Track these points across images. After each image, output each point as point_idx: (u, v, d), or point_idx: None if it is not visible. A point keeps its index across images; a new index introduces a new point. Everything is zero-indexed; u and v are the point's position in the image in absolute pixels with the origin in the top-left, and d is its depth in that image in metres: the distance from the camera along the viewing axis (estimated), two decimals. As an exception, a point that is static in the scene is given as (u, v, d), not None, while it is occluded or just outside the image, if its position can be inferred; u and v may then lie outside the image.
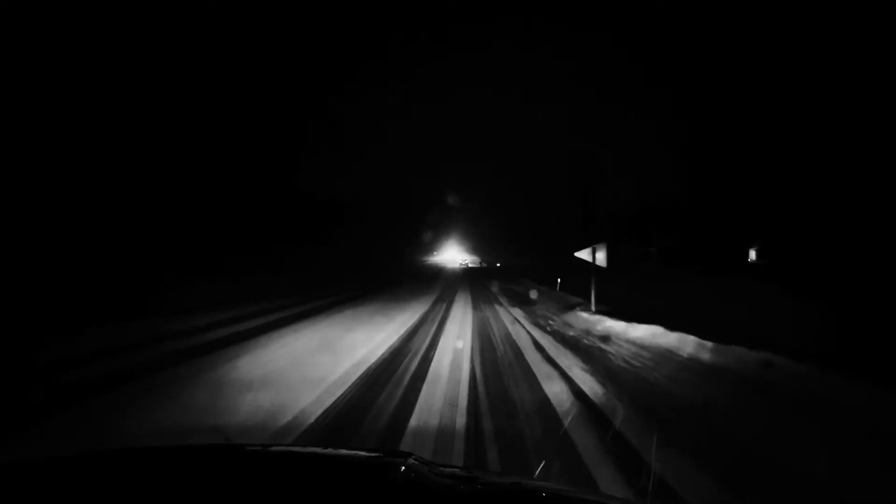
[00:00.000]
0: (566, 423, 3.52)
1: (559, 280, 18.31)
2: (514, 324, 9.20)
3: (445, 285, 21.12)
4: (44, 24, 15.19)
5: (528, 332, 8.07)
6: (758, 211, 37.18)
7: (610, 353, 6.20)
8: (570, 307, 11.44)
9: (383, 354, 6.03)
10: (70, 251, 14.10)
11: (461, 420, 3.61)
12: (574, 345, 6.84)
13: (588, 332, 7.90)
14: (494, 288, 19.61)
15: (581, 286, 12.66)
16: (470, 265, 55.65)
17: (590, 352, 6.31)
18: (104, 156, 16.84)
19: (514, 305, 12.78)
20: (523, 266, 43.48)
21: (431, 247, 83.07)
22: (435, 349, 6.41)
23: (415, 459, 1.07)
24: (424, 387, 4.50)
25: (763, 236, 39.91)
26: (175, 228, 19.14)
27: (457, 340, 7.14)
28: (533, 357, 6.01)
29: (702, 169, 41.86)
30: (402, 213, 75.10)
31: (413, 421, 3.58)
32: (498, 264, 49.50)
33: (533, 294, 15.72)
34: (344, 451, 1.42)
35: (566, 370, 5.24)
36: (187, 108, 21.37)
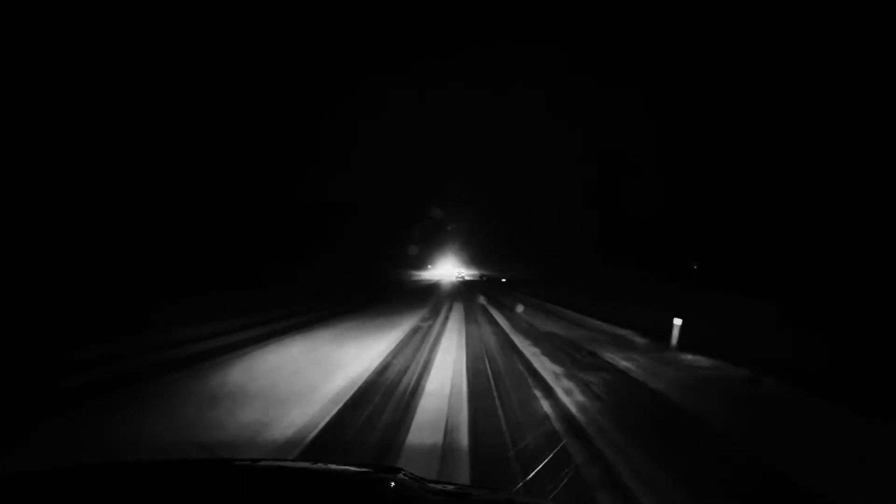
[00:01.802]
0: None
1: (678, 323, 7.42)
2: None
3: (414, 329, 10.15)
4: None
5: None
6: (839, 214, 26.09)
7: None
8: None
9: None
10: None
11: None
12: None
13: None
14: (526, 342, 8.56)
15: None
16: (467, 278, 47.78)
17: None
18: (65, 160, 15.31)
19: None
20: (536, 281, 32.56)
21: (425, 259, 72.87)
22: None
23: (405, 475, 1.03)
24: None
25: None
26: (147, 237, 17.56)
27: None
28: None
29: (756, 164, 30.73)
30: (394, 223, 65.79)
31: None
32: (503, 279, 38.59)
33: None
34: (333, 467, 1.26)
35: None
36: (156, 107, 19.40)
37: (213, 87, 24.39)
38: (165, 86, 19.96)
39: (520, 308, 13.69)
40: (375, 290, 21.08)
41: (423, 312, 11.71)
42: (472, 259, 72.52)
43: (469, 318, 11.10)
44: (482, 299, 17.13)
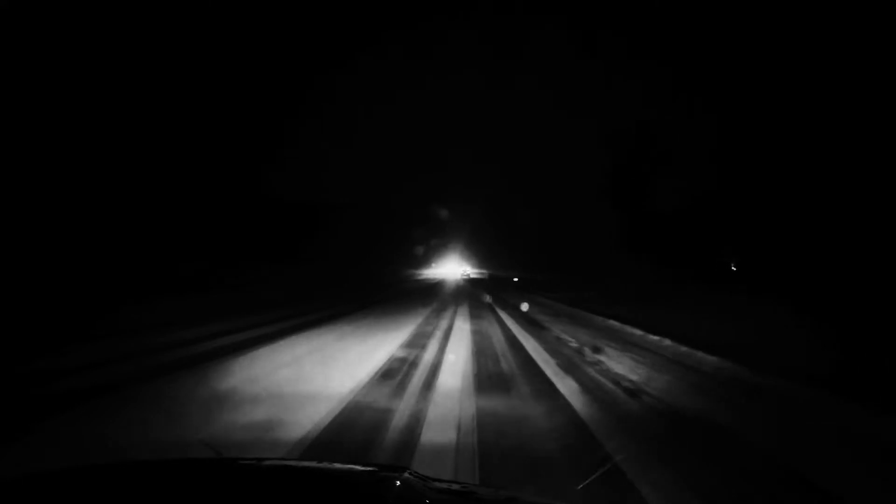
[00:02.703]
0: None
1: None
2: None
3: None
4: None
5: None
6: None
7: None
8: None
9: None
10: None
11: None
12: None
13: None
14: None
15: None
16: (473, 276, 44.84)
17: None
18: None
19: None
20: (553, 283, 27.34)
21: (429, 258, 68.05)
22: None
23: (410, 474, 0.97)
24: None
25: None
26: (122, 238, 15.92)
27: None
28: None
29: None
30: (394, 222, 61.44)
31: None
32: (515, 279, 33.30)
33: None
34: (338, 466, 1.22)
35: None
36: (140, 105, 17.54)
37: (204, 86, 22.90)
38: (151, 83, 18.41)
39: (557, 325, 8.48)
40: (364, 293, 16.07)
41: (413, 329, 6.59)
42: (478, 257, 67.50)
43: (480, 343, 5.94)
44: (497, 308, 11.92)
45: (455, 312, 10.90)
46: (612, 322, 9.34)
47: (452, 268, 63.15)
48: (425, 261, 66.24)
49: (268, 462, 1.21)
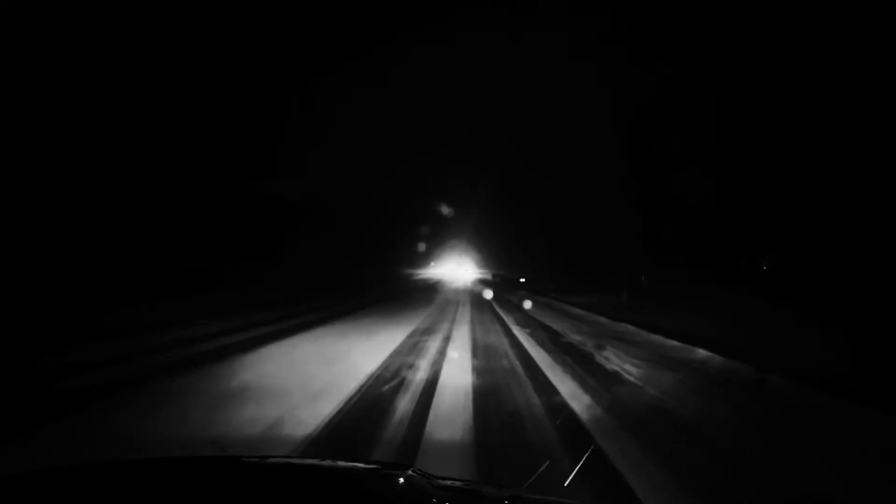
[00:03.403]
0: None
1: None
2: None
3: None
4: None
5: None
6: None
7: None
8: None
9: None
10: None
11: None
12: None
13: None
14: None
15: None
16: (476, 276, 42.63)
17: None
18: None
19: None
20: (566, 284, 23.93)
21: (429, 256, 65.01)
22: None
23: (413, 472, 0.98)
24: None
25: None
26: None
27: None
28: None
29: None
30: (393, 220, 58.34)
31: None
32: (522, 279, 29.90)
33: None
34: (342, 463, 1.21)
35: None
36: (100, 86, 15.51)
37: (198, 81, 20.97)
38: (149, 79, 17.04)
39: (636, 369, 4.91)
40: (342, 300, 12.70)
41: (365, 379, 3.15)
42: (480, 256, 64.46)
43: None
44: (512, 324, 8.35)
45: (448, 338, 7.38)
46: (704, 351, 5.86)
47: (452, 267, 60.07)
48: (425, 259, 63.31)
49: (271, 460, 1.17)
